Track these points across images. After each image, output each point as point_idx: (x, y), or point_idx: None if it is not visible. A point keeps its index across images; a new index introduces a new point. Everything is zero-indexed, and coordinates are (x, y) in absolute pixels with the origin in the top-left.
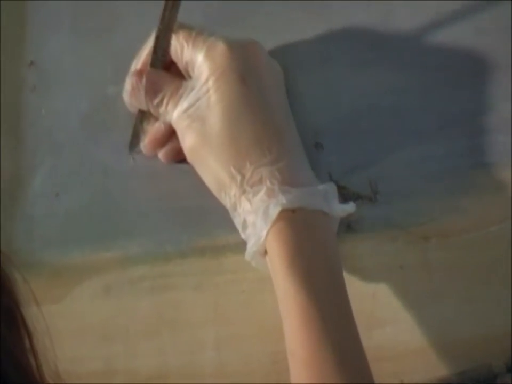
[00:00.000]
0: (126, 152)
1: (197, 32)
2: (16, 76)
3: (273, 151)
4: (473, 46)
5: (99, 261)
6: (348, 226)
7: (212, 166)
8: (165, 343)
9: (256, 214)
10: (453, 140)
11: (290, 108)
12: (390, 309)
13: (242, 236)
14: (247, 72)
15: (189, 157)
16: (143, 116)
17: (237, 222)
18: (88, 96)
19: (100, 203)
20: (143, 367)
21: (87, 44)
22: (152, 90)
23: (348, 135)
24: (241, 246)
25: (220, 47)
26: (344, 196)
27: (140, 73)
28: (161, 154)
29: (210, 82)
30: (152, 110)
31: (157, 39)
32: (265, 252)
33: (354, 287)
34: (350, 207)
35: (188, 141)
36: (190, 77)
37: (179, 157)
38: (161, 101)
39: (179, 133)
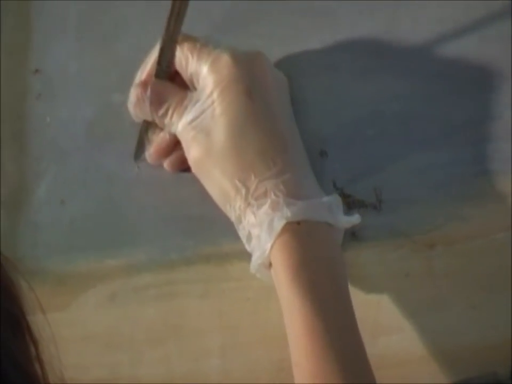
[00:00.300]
0: (131, 160)
1: (202, 43)
2: (21, 84)
3: (278, 164)
4: (477, 55)
5: (104, 268)
6: (352, 234)
7: (216, 178)
8: (170, 351)
9: (260, 227)
10: (457, 147)
11: (295, 116)
12: (395, 317)
13: (247, 248)
14: (252, 84)
15: (194, 169)
16: (148, 126)
17: (242, 234)
18: (93, 104)
19: (104, 211)
20: (148, 375)
21: (92, 51)
22: (157, 101)
23: (353, 143)
24: (246, 253)
25: (225, 59)
26: (349, 204)
27: (144, 84)
28: (166, 163)
29: (215, 95)
30: (157, 121)
31: (162, 50)
32: (270, 264)
33: (359, 295)
34: (354, 219)
35: (192, 153)
36: (194, 88)
37: (184, 166)
38: (166, 112)
39: (184, 145)
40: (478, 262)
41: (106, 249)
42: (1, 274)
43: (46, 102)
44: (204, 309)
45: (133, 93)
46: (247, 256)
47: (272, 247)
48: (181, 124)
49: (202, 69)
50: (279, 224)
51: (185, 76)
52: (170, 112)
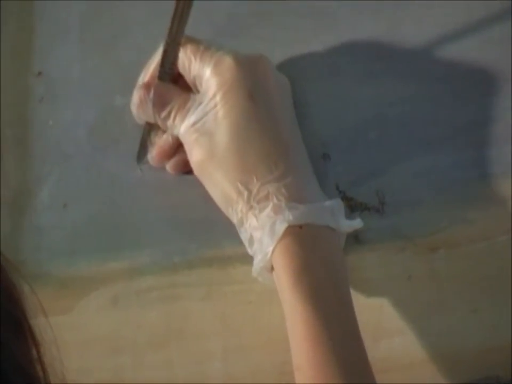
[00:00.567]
0: (134, 162)
1: (205, 46)
2: (23, 87)
3: (280, 167)
4: (479, 57)
5: (106, 271)
6: (355, 237)
7: (219, 181)
8: (172, 354)
9: (262, 230)
10: (460, 150)
11: (297, 119)
12: (398, 320)
13: (249, 252)
14: (254, 87)
15: (196, 171)
16: (151, 128)
17: (244, 237)
18: (95, 106)
19: (107, 214)
20: (151, 378)
21: (94, 54)
22: (160, 103)
23: (355, 146)
24: (248, 256)
25: (228, 62)
26: (351, 206)
27: (147, 86)
28: (169, 166)
29: (218, 97)
30: (159, 123)
31: (165, 52)
32: (272, 268)
33: (362, 298)
34: (357, 223)
35: (195, 155)
36: (197, 90)
37: (187, 168)
38: (169, 114)
39: (186, 147)
40: (481, 265)
41: (108, 252)
42: (3, 277)
43: (48, 105)
44: (206, 312)
45: (136, 95)
46: (249, 259)
47: (274, 250)
48: (183, 126)
49: (205, 72)
50: (281, 227)
51: (188, 78)
52: (173, 114)
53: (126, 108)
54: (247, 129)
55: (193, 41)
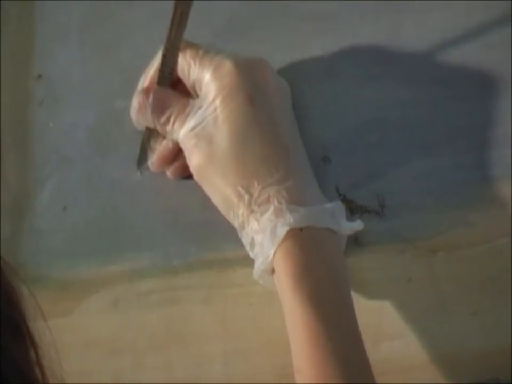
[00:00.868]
0: (134, 166)
1: (204, 50)
2: (23, 90)
3: (280, 170)
4: (479, 61)
5: (106, 274)
6: (355, 240)
7: (219, 186)
8: (172, 357)
9: (263, 234)
10: (460, 153)
11: (297, 123)
12: (398, 322)
13: (251, 255)
14: (254, 91)
15: (196, 176)
16: (151, 133)
17: (245, 241)
18: (95, 109)
19: (107, 217)
20: (151, 381)
21: (94, 57)
22: (159, 109)
23: (355, 149)
24: (249, 259)
25: (227, 66)
26: (352, 209)
27: (147, 91)
28: (169, 171)
29: (217, 102)
30: (159, 128)
31: (164, 57)
32: (273, 270)
33: (362, 300)
34: (357, 225)
35: (194, 160)
36: (197, 95)
37: (187, 173)
38: (168, 119)
39: (186, 152)
40: (480, 268)
41: (108, 255)
42: (2, 280)
43: (48, 108)
44: (206, 314)
45: (135, 100)
46: (249, 262)
47: (275, 253)
48: (182, 131)
49: (205, 76)
50: (282, 230)
51: (187, 83)
52: (172, 119)
53: (126, 111)
54: (246, 133)
55: (192, 45)
